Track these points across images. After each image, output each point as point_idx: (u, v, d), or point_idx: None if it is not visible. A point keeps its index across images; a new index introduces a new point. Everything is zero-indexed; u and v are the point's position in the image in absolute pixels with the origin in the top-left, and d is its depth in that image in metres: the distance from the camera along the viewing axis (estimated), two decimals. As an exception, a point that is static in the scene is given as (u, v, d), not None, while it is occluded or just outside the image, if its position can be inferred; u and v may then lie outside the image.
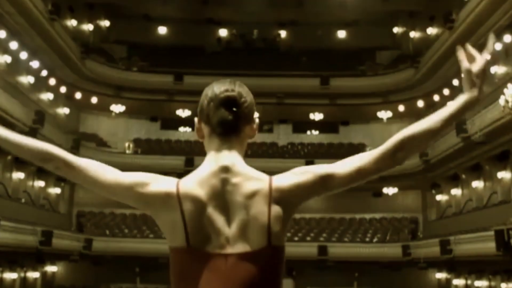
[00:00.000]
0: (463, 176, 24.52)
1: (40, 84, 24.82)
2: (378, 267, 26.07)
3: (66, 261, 24.93)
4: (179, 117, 30.57)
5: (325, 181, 1.79)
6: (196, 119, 1.90)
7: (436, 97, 26.66)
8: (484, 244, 18.03)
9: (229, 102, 1.79)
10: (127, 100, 29.10)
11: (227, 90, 1.81)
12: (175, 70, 29.12)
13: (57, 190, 26.87)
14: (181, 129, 31.44)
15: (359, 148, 30.53)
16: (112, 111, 29.43)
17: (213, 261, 1.69)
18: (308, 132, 31.74)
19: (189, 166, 27.23)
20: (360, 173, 1.84)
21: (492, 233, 16.92)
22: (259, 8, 30.43)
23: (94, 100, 27.81)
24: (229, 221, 1.72)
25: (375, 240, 26.98)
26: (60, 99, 27.01)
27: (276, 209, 1.72)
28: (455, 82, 24.91)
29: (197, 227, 1.70)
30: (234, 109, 1.79)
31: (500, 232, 15.88)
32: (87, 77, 27.18)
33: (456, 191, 25.48)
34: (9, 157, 21.89)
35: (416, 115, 29.12)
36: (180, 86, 28.77)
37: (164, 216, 1.75)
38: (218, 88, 1.83)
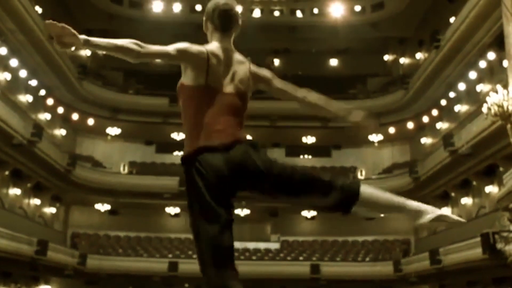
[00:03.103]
0: (452, 194, 24.96)
1: (38, 104, 25.36)
2: (371, 286, 26.24)
3: (60, 277, 25.00)
4: (174, 141, 30.99)
5: (268, 82, 3.01)
6: (204, 18, 2.96)
7: (425, 118, 27.29)
8: (471, 251, 18.43)
9: (227, 12, 2.90)
10: (123, 123, 29.58)
11: (225, 4, 2.90)
12: (170, 93, 29.67)
13: (52, 210, 27.12)
14: (176, 153, 31.85)
15: (351, 171, 31.09)
16: (108, 134, 29.90)
17: (218, 94, 2.78)
18: (301, 156, 32.21)
19: (183, 186, 27.50)
20: (283, 94, 3.09)
21: (478, 239, 17.31)
22: (252, 36, 31.16)
23: (90, 121, 28.30)
24: (228, 74, 2.84)
25: (367, 259, 27.20)
26: (57, 120, 27.52)
27: (250, 76, 2.93)
28: (443, 102, 25.61)
29: (213, 74, 2.77)
30: (229, 16, 2.90)
31: (485, 235, 16.25)
32: (84, 98, 27.74)
33: (446, 210, 25.84)
34: (6, 173, 22.29)
35: (406, 137, 29.83)
36: (175, 108, 29.20)
37: (196, 66, 2.75)
38: (219, 0, 2.91)
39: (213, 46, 2.85)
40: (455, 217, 2.75)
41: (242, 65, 2.90)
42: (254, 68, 2.97)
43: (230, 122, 2.76)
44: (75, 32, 2.46)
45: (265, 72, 3.04)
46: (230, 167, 2.64)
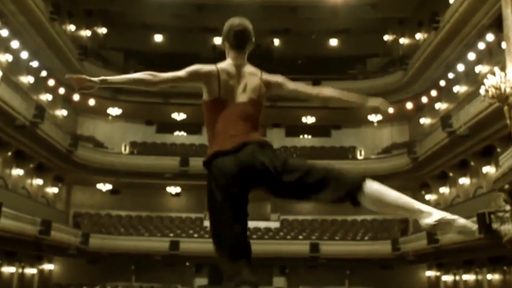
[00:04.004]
0: (451, 174, 25.21)
1: (40, 85, 25.49)
2: (369, 265, 26.64)
3: (64, 256, 25.39)
4: (175, 121, 31.24)
5: (281, 86, 3.27)
6: (221, 37, 3.28)
7: (424, 99, 27.44)
8: (468, 231, 18.69)
9: (241, 32, 3.22)
10: (123, 103, 29.73)
11: (239, 25, 3.22)
12: (171, 74, 29.83)
13: (55, 190, 27.40)
14: (176, 133, 32.10)
15: (350, 151, 31.32)
16: (109, 115, 30.07)
17: (231, 105, 3.10)
18: (301, 136, 32.44)
19: (184, 166, 27.89)
20: (297, 94, 3.34)
21: (475, 219, 17.56)
22: (253, 17, 30.88)
23: (91, 102, 28.45)
24: (240, 86, 3.15)
25: (366, 238, 27.55)
26: (59, 100, 27.68)
27: (262, 84, 3.22)
28: (442, 83, 25.74)
29: (224, 88, 3.12)
30: (242, 36, 3.22)
31: (482, 215, 16.50)
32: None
33: (444, 189, 26.16)
34: (9, 153, 22.51)
35: (406, 118, 30.01)
36: (175, 88, 29.42)
37: (209, 83, 3.11)
38: (234, 22, 3.24)
39: (225, 63, 3.22)
40: (463, 222, 2.70)
41: (253, 76, 3.20)
42: (266, 76, 3.28)
43: (243, 127, 3.06)
44: (90, 78, 2.88)
45: (276, 78, 3.31)
46: (239, 167, 2.92)
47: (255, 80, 3.19)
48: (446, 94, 25.94)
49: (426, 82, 26.78)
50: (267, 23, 32.33)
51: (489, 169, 21.73)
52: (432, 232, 2.39)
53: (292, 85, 3.30)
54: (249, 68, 3.24)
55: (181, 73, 3.12)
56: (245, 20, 3.28)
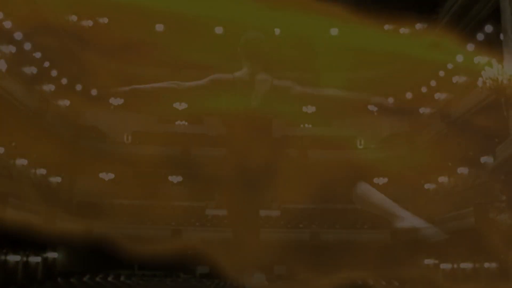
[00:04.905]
0: (449, 163, 25.40)
1: (43, 75, 25.64)
2: (368, 253, 26.87)
3: (67, 244, 25.64)
4: (177, 110, 31.30)
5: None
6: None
7: (423, 89, 27.59)
8: (465, 220, 18.99)
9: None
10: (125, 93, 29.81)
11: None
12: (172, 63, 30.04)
13: (58, 179, 27.66)
14: (178, 122, 32.26)
15: (350, 141, 31.48)
16: (111, 104, 30.22)
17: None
18: (301, 125, 32.54)
19: (186, 156, 28.13)
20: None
21: (472, 209, 17.86)
22: (252, 7, 31.12)
23: (93, 92, 28.62)
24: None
25: (365, 227, 27.80)
26: (61, 91, 27.83)
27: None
28: (441, 73, 25.90)
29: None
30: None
31: (479, 205, 16.78)
32: (87, 70, 27.96)
33: (443, 179, 26.38)
34: (13, 144, 22.74)
35: (405, 107, 30.10)
36: (177, 78, 29.57)
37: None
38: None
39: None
40: (429, 233, 2.97)
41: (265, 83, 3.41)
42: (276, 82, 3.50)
43: None
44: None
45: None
46: None
47: (266, 85, 3.71)
48: (445, 84, 26.07)
49: (426, 72, 26.85)
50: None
51: (487, 160, 21.92)
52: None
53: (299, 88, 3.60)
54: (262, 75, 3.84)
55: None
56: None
